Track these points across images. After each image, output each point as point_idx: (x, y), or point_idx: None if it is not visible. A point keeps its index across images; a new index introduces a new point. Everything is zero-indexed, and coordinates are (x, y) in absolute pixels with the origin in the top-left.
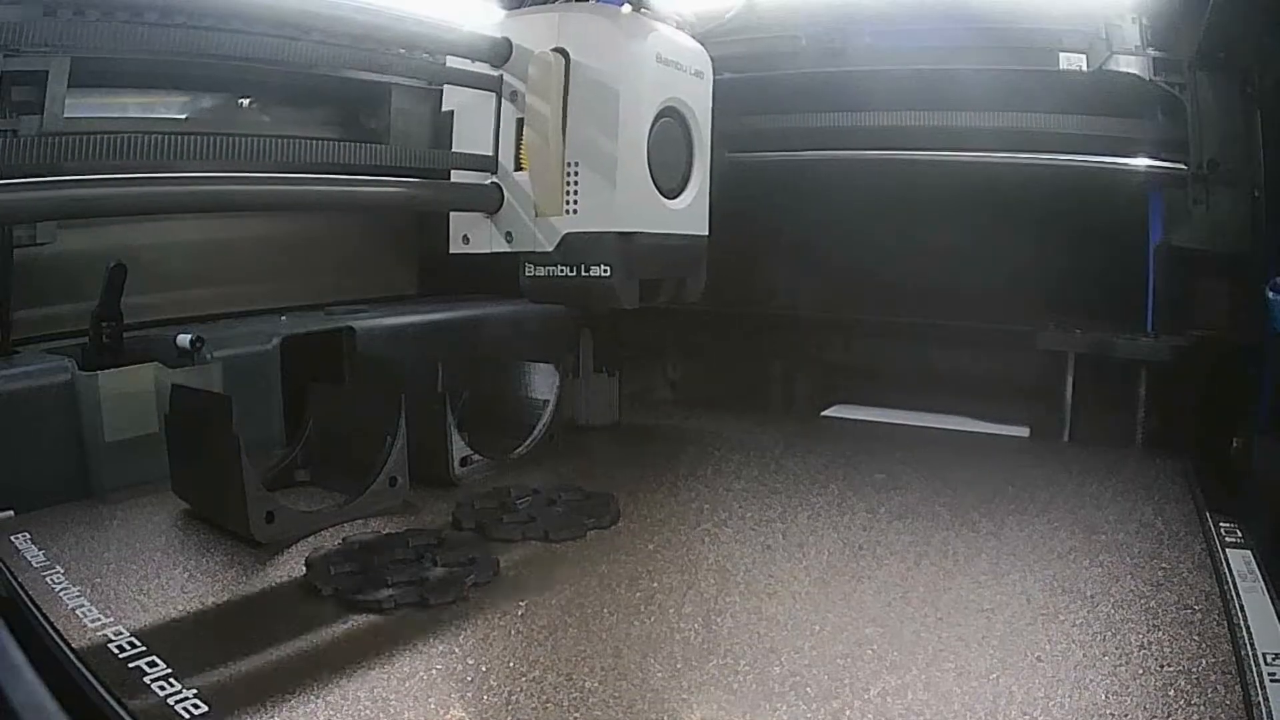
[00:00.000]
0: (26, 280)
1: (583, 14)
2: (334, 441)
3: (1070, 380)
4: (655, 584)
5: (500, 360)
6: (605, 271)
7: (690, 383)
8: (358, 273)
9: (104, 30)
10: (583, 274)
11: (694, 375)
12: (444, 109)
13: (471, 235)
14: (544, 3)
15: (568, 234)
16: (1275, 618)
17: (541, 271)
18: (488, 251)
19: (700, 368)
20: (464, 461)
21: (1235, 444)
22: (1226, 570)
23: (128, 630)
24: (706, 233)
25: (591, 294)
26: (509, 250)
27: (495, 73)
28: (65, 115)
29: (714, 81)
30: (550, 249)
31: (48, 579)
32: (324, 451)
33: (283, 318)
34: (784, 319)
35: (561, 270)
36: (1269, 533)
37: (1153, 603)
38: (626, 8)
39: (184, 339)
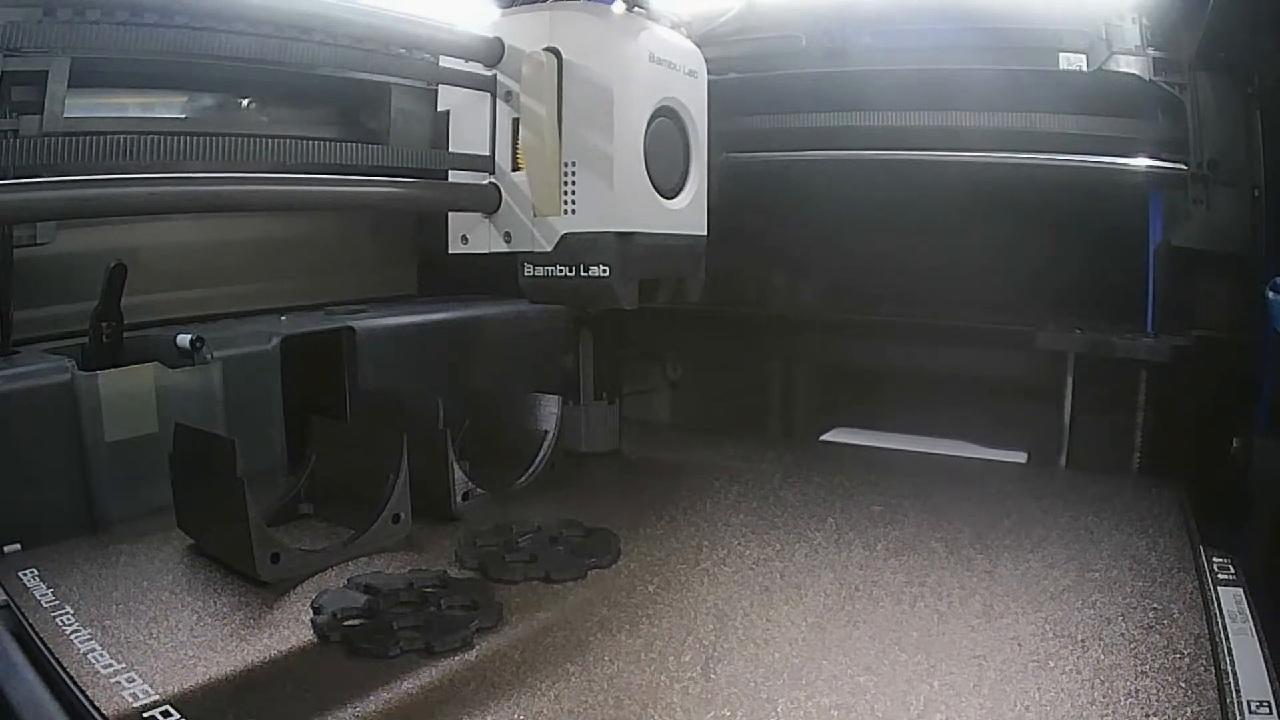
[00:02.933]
0: (26, 280)
1: (573, 13)
2: (337, 476)
3: (1070, 380)
4: (655, 629)
5: (500, 390)
6: (604, 272)
7: (690, 383)
8: (358, 273)
9: (104, 31)
10: (581, 274)
11: (694, 375)
12: (439, 109)
13: (470, 235)
14: (535, 1)
15: (566, 234)
16: (1262, 663)
17: (540, 271)
18: (486, 251)
19: (700, 368)
20: (465, 496)
21: (1235, 444)
22: (1217, 610)
23: (140, 678)
24: (705, 233)
25: (590, 294)
26: (508, 250)
27: (489, 73)
28: (65, 115)
29: (714, 82)
30: (549, 249)
31: (58, 620)
32: (327, 485)
33: (283, 318)
34: (784, 319)
35: (560, 270)
36: (1267, 536)
37: (1142, 647)
38: (619, 6)
39: (184, 339)
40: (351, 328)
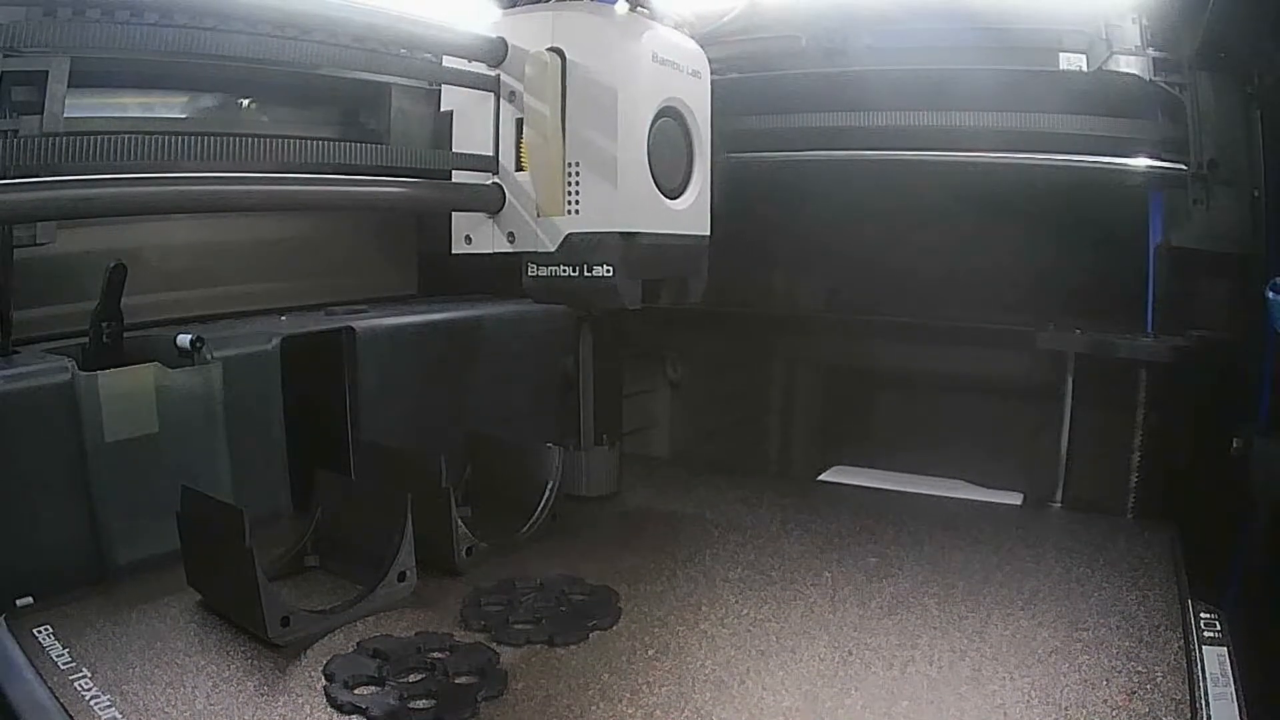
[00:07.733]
0: (26, 280)
1: (577, 13)
2: (342, 529)
3: (1070, 381)
4: (654, 698)
5: (502, 438)
6: (608, 272)
7: (690, 383)
8: (358, 273)
9: (104, 31)
10: (585, 274)
11: (694, 376)
12: (443, 109)
13: (474, 235)
14: (538, 1)
15: (570, 234)
16: None
17: (544, 271)
18: (490, 251)
19: (700, 369)
20: (468, 551)
21: (1235, 445)
22: (1200, 672)
23: None
24: (708, 233)
25: (595, 294)
26: (511, 250)
27: (492, 73)
28: (65, 115)
29: (715, 82)
30: (553, 249)
31: (77, 685)
32: (332, 539)
33: (283, 318)
34: (784, 320)
35: (564, 270)
36: (1267, 537)
37: (1124, 714)
38: (622, 6)
39: (184, 339)
40: (352, 328)
